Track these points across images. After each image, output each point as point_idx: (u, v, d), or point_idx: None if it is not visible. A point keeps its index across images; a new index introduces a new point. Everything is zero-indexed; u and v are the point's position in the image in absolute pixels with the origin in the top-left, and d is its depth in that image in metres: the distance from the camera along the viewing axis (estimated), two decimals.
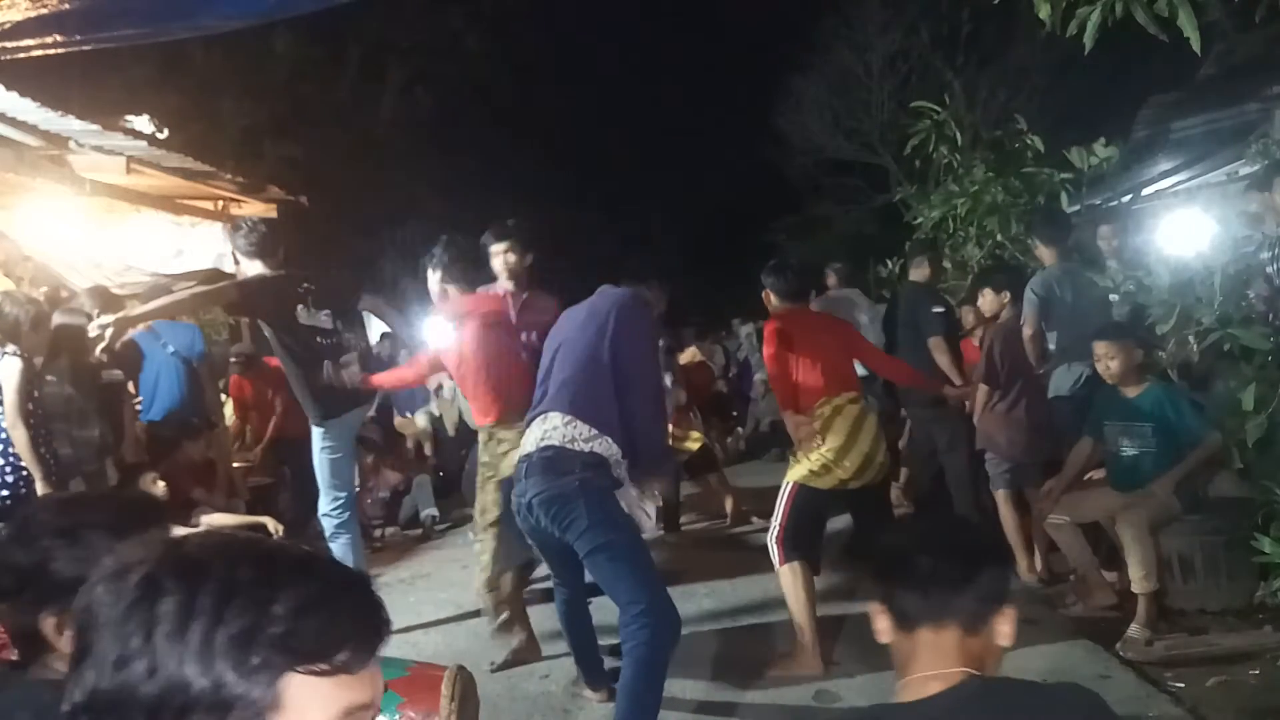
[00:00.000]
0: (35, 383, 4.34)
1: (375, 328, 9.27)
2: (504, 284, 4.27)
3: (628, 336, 3.26)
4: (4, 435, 4.24)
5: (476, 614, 4.85)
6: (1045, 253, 5.18)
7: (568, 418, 3.12)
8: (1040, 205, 6.78)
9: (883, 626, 1.51)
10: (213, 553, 0.78)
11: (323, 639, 0.77)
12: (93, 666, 0.74)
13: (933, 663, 1.41)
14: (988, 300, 5.22)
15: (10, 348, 4.26)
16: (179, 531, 3.67)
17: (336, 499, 4.39)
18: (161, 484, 5.09)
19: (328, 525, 4.43)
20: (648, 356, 3.37)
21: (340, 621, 0.79)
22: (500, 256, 4.18)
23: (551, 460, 3.07)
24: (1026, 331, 4.89)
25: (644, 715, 2.97)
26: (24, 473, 4.23)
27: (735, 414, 11.12)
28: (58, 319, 4.58)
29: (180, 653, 0.73)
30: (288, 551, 0.82)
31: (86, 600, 0.78)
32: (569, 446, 3.07)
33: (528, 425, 3.30)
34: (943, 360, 5.32)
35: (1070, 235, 5.43)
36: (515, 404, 3.84)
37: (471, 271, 4.25)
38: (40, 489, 4.20)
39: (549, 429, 3.14)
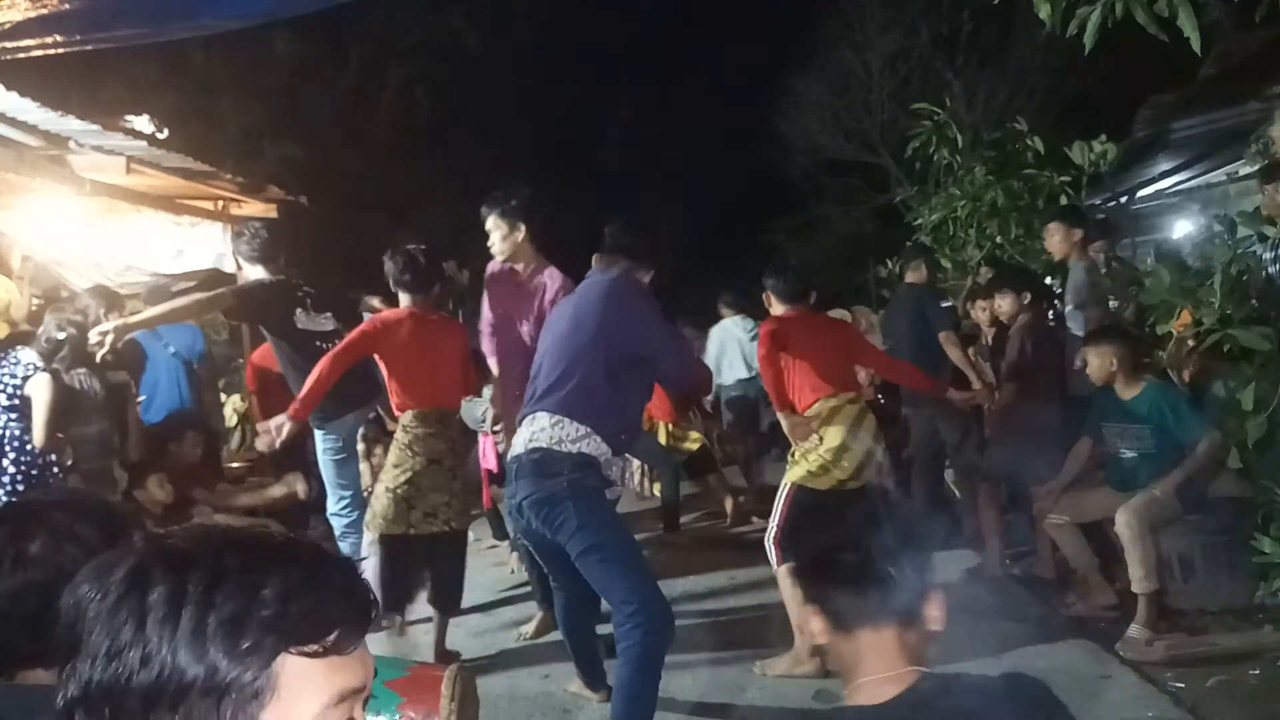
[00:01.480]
0: (62, 398, 4.35)
1: None
2: (499, 261, 4.18)
3: (629, 322, 3.17)
4: (18, 443, 4.25)
5: (477, 613, 4.87)
6: (1077, 247, 5.27)
7: (555, 418, 3.08)
8: (1063, 202, 6.80)
9: (818, 628, 1.49)
10: (198, 542, 0.79)
11: (312, 620, 0.78)
12: (86, 659, 0.75)
13: (880, 664, 1.40)
14: (1007, 303, 5.19)
15: (39, 362, 4.28)
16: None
17: (343, 498, 4.39)
18: (169, 486, 5.10)
19: (336, 525, 4.42)
20: (658, 331, 3.24)
21: (329, 603, 0.79)
22: (491, 232, 4.10)
23: (540, 462, 3.05)
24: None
25: (640, 714, 2.97)
26: (36, 479, 4.25)
27: None
28: (53, 317, 4.59)
29: (172, 640, 0.73)
30: (272, 537, 0.83)
31: (74, 596, 0.78)
32: (556, 448, 3.04)
33: (517, 425, 3.28)
34: (955, 354, 5.31)
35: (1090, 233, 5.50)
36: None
37: (419, 280, 4.12)
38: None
39: (537, 430, 3.10)
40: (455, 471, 4.04)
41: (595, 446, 3.08)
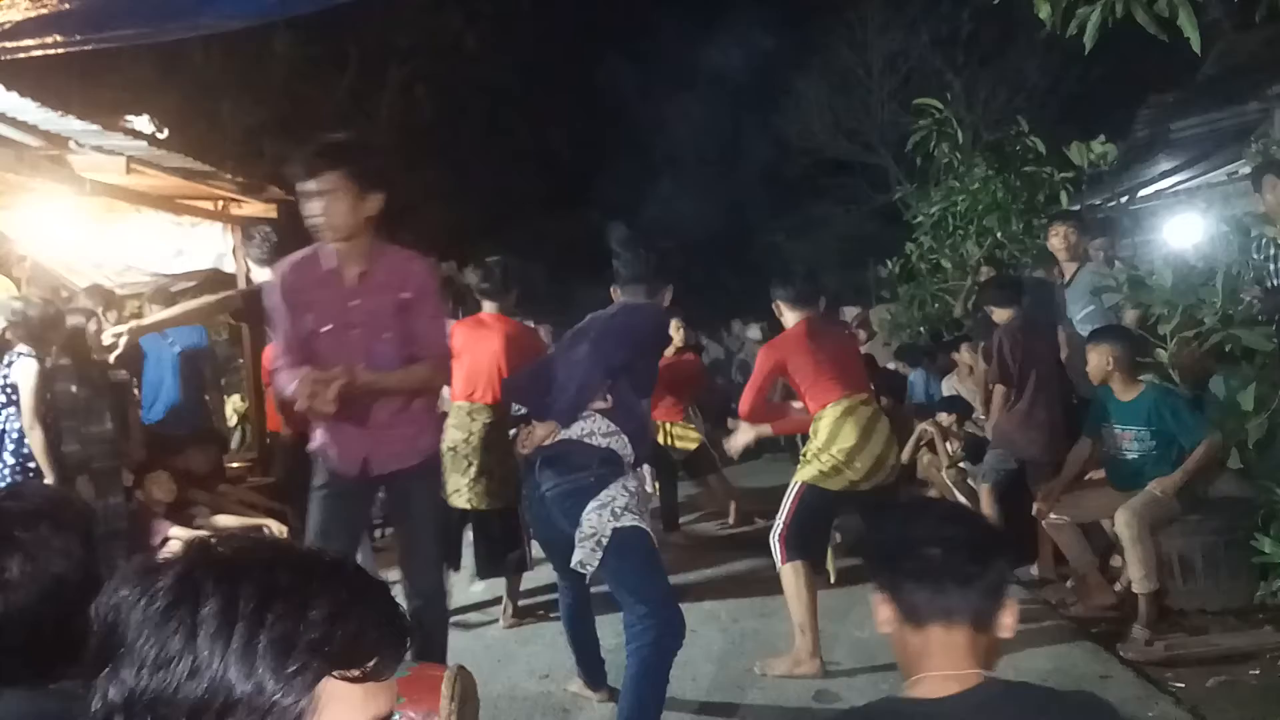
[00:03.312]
0: (49, 384, 4.36)
1: None
2: (327, 245, 2.96)
3: (574, 342, 3.19)
4: (16, 435, 4.27)
5: (475, 612, 4.86)
6: (1076, 248, 5.33)
7: (585, 412, 3.10)
8: (1064, 201, 6.80)
9: (885, 617, 1.47)
10: (248, 556, 0.79)
11: (356, 645, 0.78)
12: (130, 666, 0.75)
13: (947, 662, 1.40)
14: (999, 314, 5.16)
15: (25, 349, 4.28)
16: (179, 532, 3.66)
17: None
18: (172, 485, 5.10)
19: None
20: (587, 361, 3.09)
21: (372, 628, 0.80)
22: (323, 199, 2.82)
23: (566, 455, 3.05)
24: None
25: (647, 715, 2.97)
26: (34, 471, 4.27)
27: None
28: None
29: (223, 655, 0.74)
30: (319, 557, 0.83)
31: (114, 600, 0.78)
32: (586, 440, 3.05)
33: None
34: None
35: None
36: None
37: (495, 288, 4.49)
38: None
39: None
40: (470, 459, 4.34)
41: (622, 446, 3.09)
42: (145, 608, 0.75)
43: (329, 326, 2.95)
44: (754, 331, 11.19)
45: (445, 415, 4.31)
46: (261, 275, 4.46)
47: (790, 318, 4.12)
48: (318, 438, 3.05)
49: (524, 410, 3.39)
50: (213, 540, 0.82)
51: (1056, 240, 5.43)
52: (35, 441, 4.23)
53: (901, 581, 1.46)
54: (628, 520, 2.98)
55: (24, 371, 4.25)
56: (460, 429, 4.39)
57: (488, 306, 4.54)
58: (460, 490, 4.38)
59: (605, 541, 2.96)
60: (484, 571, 4.67)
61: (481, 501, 4.37)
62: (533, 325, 5.26)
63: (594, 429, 3.06)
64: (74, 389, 4.60)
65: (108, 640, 0.76)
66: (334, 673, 0.77)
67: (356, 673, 0.78)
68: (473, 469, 4.35)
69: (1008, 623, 1.45)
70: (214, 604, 0.75)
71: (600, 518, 2.97)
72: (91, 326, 4.84)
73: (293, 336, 3.00)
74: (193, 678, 0.73)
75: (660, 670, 2.99)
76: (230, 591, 0.75)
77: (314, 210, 2.86)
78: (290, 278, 3.03)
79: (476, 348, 4.42)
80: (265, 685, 0.74)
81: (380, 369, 2.93)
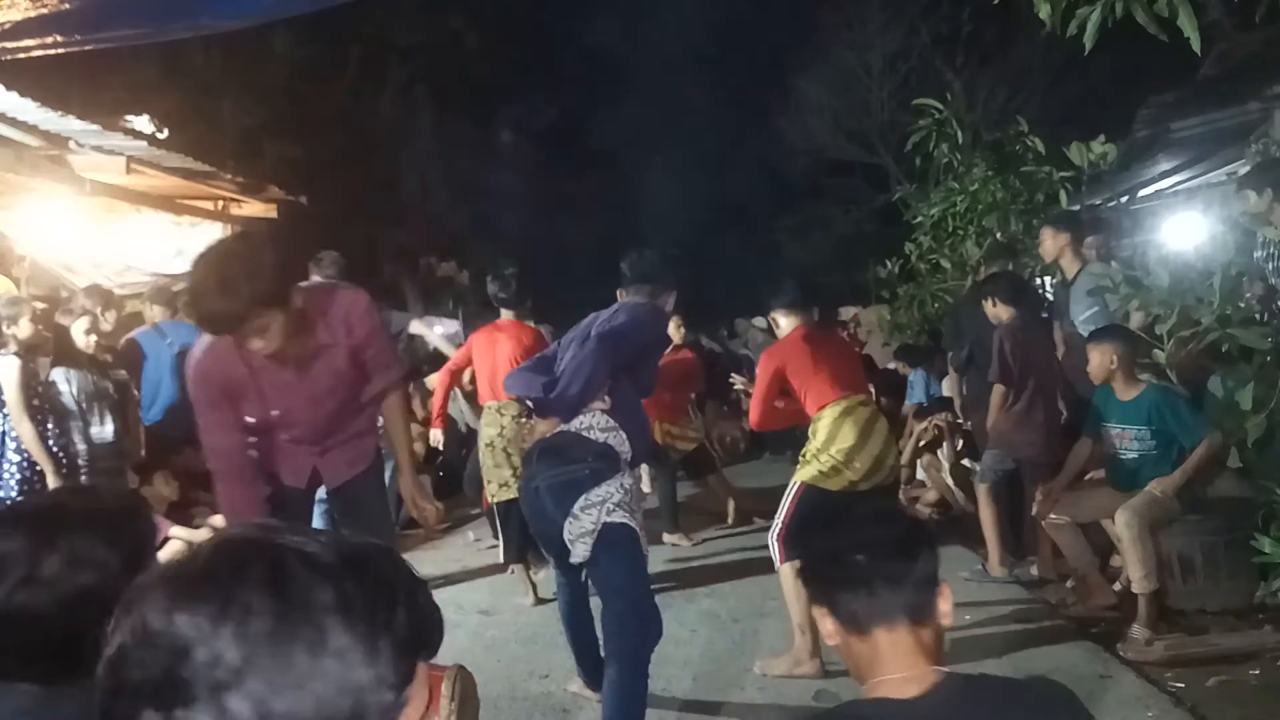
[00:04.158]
0: (35, 379, 4.38)
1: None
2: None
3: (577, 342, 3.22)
4: (16, 434, 4.30)
5: (477, 614, 4.87)
6: (1070, 250, 5.35)
7: (587, 408, 3.11)
8: (1063, 200, 6.81)
9: (830, 629, 1.48)
10: (319, 554, 0.75)
11: (432, 630, 0.80)
12: (257, 679, 0.68)
13: (900, 664, 1.40)
14: (998, 309, 5.19)
15: (9, 346, 4.31)
16: (179, 532, 3.64)
17: None
18: (173, 485, 5.10)
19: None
20: (589, 359, 3.08)
21: (433, 610, 0.81)
22: (259, 336, 2.60)
23: (564, 446, 3.06)
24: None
25: (632, 712, 2.98)
26: (38, 467, 4.29)
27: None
28: (57, 318, 4.61)
29: (354, 665, 0.71)
30: (372, 545, 0.82)
31: (182, 624, 0.69)
32: (585, 434, 3.07)
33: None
34: None
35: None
36: None
37: (511, 297, 4.96)
38: (52, 483, 4.28)
39: None
40: (509, 451, 4.80)
41: (619, 442, 3.10)
42: (241, 625, 0.69)
43: (285, 409, 2.82)
44: (760, 322, 11.19)
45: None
46: None
47: (786, 325, 4.14)
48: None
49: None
50: (263, 536, 0.77)
51: (1049, 243, 5.43)
52: (26, 434, 4.27)
53: (835, 592, 1.46)
54: (618, 516, 3.00)
55: (5, 369, 4.27)
56: (493, 425, 4.89)
57: (505, 313, 5.00)
58: (507, 484, 4.80)
59: (595, 536, 2.99)
60: (510, 557, 5.02)
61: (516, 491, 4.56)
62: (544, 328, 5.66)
63: (593, 423, 3.08)
64: (74, 389, 4.63)
65: (178, 667, 0.68)
66: (420, 659, 0.79)
67: (430, 654, 0.80)
68: (513, 459, 4.73)
69: (945, 609, 1.45)
70: (331, 615, 0.71)
71: (596, 514, 2.99)
72: (86, 324, 4.85)
73: (233, 430, 2.79)
74: (334, 694, 0.70)
75: (642, 667, 3.01)
76: (339, 597, 0.72)
77: (256, 347, 2.62)
78: (217, 372, 2.74)
79: (495, 351, 4.91)
80: (390, 686, 0.73)
81: (347, 420, 3.00)
